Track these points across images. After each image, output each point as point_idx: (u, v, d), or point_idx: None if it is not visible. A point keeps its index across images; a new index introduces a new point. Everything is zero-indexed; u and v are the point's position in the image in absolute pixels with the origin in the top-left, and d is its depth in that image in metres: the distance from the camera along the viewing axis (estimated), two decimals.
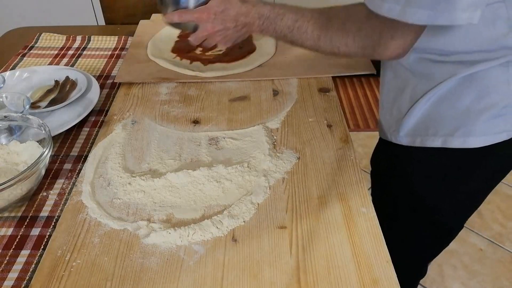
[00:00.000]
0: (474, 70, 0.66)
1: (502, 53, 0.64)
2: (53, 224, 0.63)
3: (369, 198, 0.64)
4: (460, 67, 0.67)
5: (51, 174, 0.72)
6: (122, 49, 1.09)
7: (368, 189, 0.67)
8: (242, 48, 1.00)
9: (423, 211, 0.86)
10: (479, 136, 0.70)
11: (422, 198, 0.84)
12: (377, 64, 0.98)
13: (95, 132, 0.81)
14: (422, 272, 1.10)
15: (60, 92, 0.89)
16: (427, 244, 0.96)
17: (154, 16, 1.22)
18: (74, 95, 0.87)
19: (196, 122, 0.81)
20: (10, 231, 0.63)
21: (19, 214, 0.65)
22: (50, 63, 1.03)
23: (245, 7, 0.76)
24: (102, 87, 0.93)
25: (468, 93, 0.68)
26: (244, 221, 0.61)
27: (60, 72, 0.94)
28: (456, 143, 0.72)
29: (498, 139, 0.70)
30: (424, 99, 0.72)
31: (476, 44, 0.65)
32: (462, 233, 1.01)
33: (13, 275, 0.57)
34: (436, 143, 0.74)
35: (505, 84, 0.66)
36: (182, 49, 1.01)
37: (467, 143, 0.71)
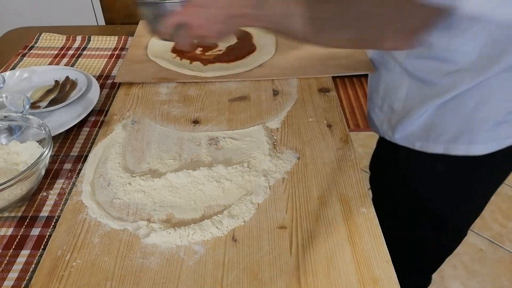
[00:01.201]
0: (478, 80, 0.63)
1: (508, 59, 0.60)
2: (53, 224, 0.63)
3: (369, 198, 0.64)
4: (464, 76, 0.63)
5: (51, 174, 0.72)
6: (122, 49, 1.09)
7: (368, 189, 0.67)
8: (242, 48, 1.00)
9: (424, 215, 0.84)
10: (483, 143, 0.68)
11: (423, 202, 0.82)
12: None
13: (95, 132, 0.81)
14: (426, 283, 1.08)
15: (60, 92, 0.89)
16: (430, 251, 0.94)
17: None
18: (74, 95, 0.87)
19: (196, 122, 0.81)
20: (10, 231, 0.63)
21: (19, 214, 0.65)
22: (50, 63, 1.03)
23: None
24: (102, 87, 0.93)
25: (472, 100, 0.66)
26: (244, 221, 0.61)
27: (60, 72, 0.94)
28: (459, 150, 0.70)
29: (502, 145, 0.68)
30: (425, 106, 0.69)
31: (481, 47, 0.60)
32: None
33: (13, 275, 0.57)
34: (438, 149, 0.72)
35: (510, 90, 0.64)
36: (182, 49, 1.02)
37: (471, 151, 0.69)
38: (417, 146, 0.74)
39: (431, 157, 0.73)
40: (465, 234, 0.93)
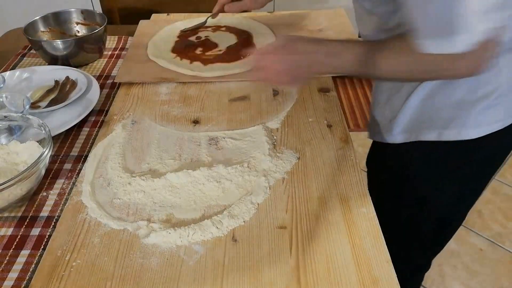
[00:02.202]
0: None
1: None
2: (53, 224, 0.63)
3: (369, 198, 0.64)
4: None
5: (51, 174, 0.72)
6: (122, 49, 1.09)
7: (368, 189, 0.67)
8: (242, 48, 1.00)
9: (421, 205, 0.86)
10: (474, 127, 0.70)
11: (420, 193, 0.84)
12: None
13: (95, 132, 0.81)
14: (426, 267, 1.10)
15: (60, 92, 0.89)
16: (428, 238, 0.96)
17: (154, 16, 1.22)
18: (74, 95, 0.87)
19: (196, 122, 0.81)
20: (10, 231, 0.63)
21: (19, 214, 0.65)
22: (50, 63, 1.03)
23: (309, 42, 0.68)
24: (102, 87, 0.93)
25: (461, 84, 0.68)
26: (244, 221, 0.61)
27: (60, 72, 0.94)
28: (451, 135, 0.72)
29: (492, 130, 0.70)
30: (417, 93, 0.72)
31: None
32: (462, 233, 1.01)
33: (13, 275, 0.57)
34: (431, 136, 0.74)
35: (496, 73, 0.66)
36: (182, 49, 1.01)
37: (462, 135, 0.71)
38: (413, 137, 0.77)
39: (423, 147, 0.76)
40: (462, 220, 0.95)
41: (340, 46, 0.66)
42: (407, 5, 0.55)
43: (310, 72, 0.70)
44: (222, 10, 0.98)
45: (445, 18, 0.52)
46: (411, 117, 0.75)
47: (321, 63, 0.67)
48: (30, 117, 0.72)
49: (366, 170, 1.23)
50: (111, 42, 1.11)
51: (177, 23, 1.13)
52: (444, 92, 0.70)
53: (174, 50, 1.02)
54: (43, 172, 0.67)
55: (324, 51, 0.66)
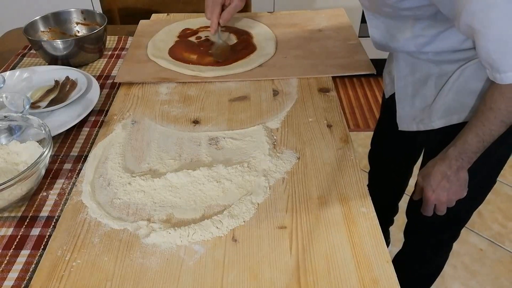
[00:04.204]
0: None
1: None
2: (53, 224, 0.63)
3: (369, 198, 0.64)
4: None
5: (51, 174, 0.72)
6: (122, 49, 1.09)
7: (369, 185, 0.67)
8: (242, 48, 1.00)
9: None
10: None
11: None
12: (377, 64, 0.98)
13: (95, 132, 0.81)
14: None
15: (60, 92, 0.89)
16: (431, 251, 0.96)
17: (154, 16, 1.22)
18: (74, 95, 0.87)
19: (196, 122, 0.81)
20: (10, 231, 0.63)
21: (19, 214, 0.65)
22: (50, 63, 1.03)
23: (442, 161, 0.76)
24: (102, 87, 0.93)
25: None
26: (244, 221, 0.61)
27: (60, 72, 0.94)
28: None
29: None
30: (453, 78, 0.74)
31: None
32: (462, 233, 1.01)
33: (13, 275, 0.57)
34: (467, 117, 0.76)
35: None
36: (182, 49, 1.01)
37: None
38: (454, 119, 0.78)
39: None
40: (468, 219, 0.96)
41: (459, 147, 0.73)
42: (485, 44, 0.59)
43: (465, 176, 0.77)
44: (218, 23, 0.97)
45: None
46: (450, 101, 0.77)
47: (466, 162, 0.74)
48: (30, 117, 0.72)
49: (366, 170, 1.24)
50: (111, 42, 1.11)
51: (177, 23, 1.13)
52: (483, 73, 0.71)
53: (170, 52, 1.00)
54: (43, 172, 0.67)
55: (455, 156, 0.74)
